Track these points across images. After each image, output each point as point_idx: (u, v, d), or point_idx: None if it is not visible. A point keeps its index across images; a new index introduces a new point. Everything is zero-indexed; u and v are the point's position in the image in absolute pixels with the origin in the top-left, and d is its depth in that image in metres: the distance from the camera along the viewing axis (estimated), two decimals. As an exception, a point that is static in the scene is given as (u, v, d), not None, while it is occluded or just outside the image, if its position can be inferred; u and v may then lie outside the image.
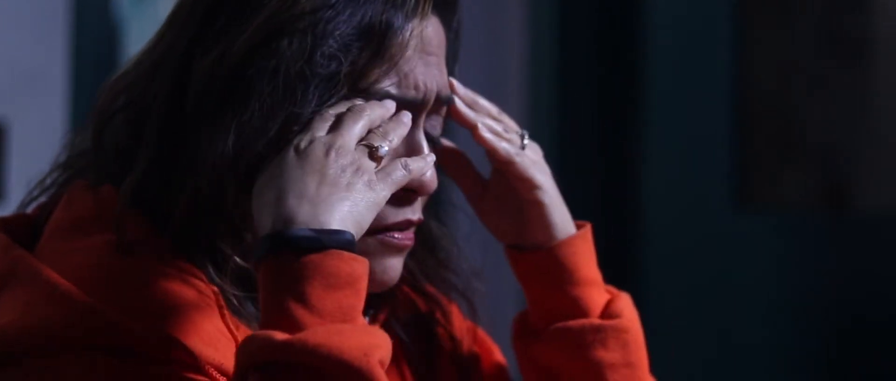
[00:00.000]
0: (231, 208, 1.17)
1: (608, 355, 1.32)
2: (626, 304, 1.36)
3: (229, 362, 1.13)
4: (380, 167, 1.17)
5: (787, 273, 2.86)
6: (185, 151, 1.17)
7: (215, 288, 1.18)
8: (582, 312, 1.34)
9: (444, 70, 1.26)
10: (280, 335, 1.08)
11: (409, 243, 1.24)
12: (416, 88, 1.22)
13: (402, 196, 1.22)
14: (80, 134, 1.29)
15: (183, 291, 1.15)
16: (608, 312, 1.35)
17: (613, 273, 2.95)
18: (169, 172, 1.18)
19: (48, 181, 1.28)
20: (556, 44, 2.99)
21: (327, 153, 1.15)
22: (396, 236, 1.23)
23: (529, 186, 1.32)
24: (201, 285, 1.17)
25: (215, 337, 1.14)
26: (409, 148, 1.23)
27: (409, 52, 1.21)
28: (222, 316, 1.16)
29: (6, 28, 2.32)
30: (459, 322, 1.41)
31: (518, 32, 2.96)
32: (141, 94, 1.22)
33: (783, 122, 2.87)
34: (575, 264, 1.33)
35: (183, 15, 1.22)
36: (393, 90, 1.21)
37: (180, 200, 1.17)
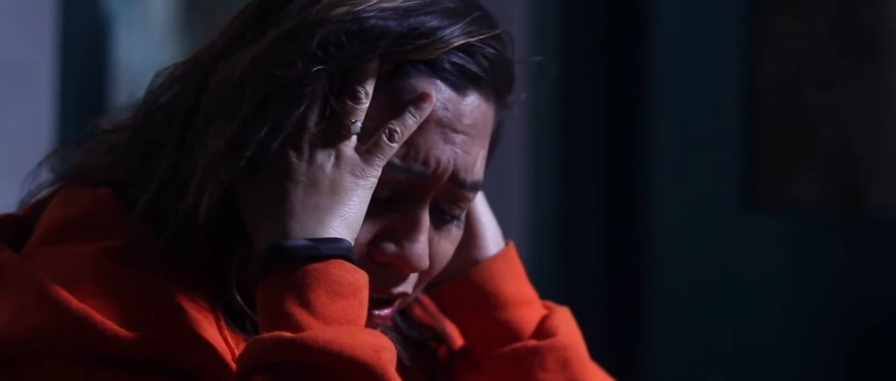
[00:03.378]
0: (225, 217, 1.14)
1: (548, 376, 1.27)
2: (562, 319, 1.30)
3: (226, 374, 1.10)
4: (363, 146, 1.12)
5: (799, 276, 2.86)
6: (189, 162, 1.14)
7: (213, 299, 1.14)
8: (514, 335, 1.28)
9: (474, 153, 1.18)
10: (288, 334, 1.05)
11: (385, 321, 1.19)
12: (426, 163, 1.15)
13: (392, 270, 1.17)
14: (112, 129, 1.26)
15: (179, 301, 1.12)
16: (543, 331, 1.29)
17: (620, 274, 2.98)
18: (175, 178, 1.15)
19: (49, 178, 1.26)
20: (561, 39, 2.97)
21: (299, 155, 1.11)
22: (374, 312, 1.17)
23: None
24: (199, 295, 1.14)
25: (211, 349, 1.11)
26: (406, 225, 1.16)
27: (431, 124, 1.14)
28: (219, 328, 1.13)
29: (-7, 22, 2.30)
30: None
31: (521, 30, 2.92)
32: (175, 95, 1.19)
33: (795, 119, 2.88)
34: (497, 286, 1.28)
35: (229, 23, 1.19)
36: (396, 159, 1.14)
37: (179, 206, 1.14)
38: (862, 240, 2.80)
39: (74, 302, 1.09)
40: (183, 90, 1.17)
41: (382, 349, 1.06)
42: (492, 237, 1.30)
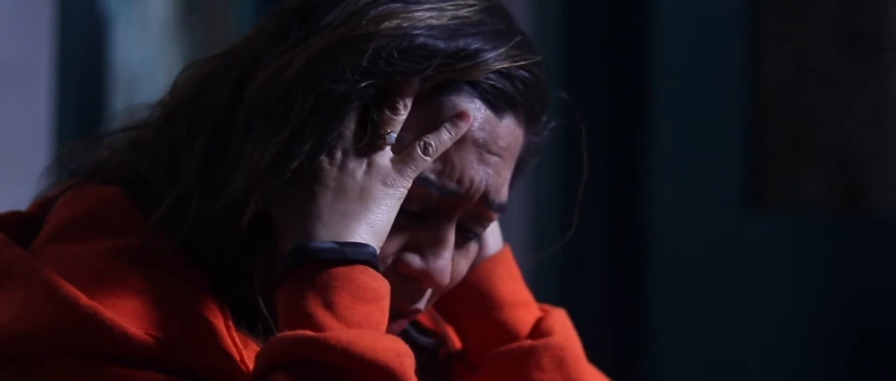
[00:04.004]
0: (258, 225, 1.14)
1: (545, 376, 1.28)
2: (558, 320, 1.31)
3: (233, 375, 1.10)
4: (397, 157, 1.12)
5: (800, 276, 2.85)
6: (225, 165, 1.14)
7: (221, 300, 1.14)
8: (511, 335, 1.29)
9: (505, 175, 1.19)
10: (310, 333, 1.05)
11: (400, 328, 1.20)
12: (460, 181, 1.16)
13: (412, 284, 1.17)
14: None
15: (190, 301, 1.13)
16: (539, 330, 1.30)
17: (621, 275, 2.97)
18: (206, 182, 1.15)
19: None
20: (561, 39, 2.96)
21: (332, 160, 1.12)
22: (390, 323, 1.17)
23: None
24: (208, 295, 1.14)
25: (222, 351, 1.11)
26: (432, 240, 1.17)
27: (468, 144, 1.15)
28: (227, 329, 1.13)
29: (-9, 20, 2.29)
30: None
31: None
32: (205, 92, 1.19)
33: (797, 119, 2.87)
34: (493, 287, 1.30)
35: (264, 24, 1.19)
36: (430, 175, 1.14)
37: (208, 209, 1.14)
38: (863, 240, 2.79)
39: (83, 299, 1.09)
40: (215, 88, 1.17)
41: (404, 355, 1.07)
42: (491, 241, 1.30)
